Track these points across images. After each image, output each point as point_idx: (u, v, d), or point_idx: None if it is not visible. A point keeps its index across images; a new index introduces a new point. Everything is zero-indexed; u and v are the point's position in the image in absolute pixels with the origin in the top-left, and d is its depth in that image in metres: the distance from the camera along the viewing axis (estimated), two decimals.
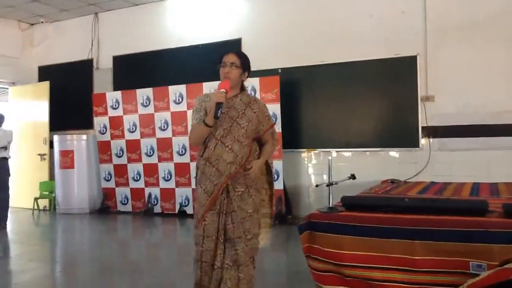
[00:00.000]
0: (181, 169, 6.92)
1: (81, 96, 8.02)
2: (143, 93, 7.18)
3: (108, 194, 7.56)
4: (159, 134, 7.08)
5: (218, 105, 2.47)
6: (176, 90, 6.92)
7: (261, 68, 6.04)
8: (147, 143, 7.19)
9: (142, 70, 7.67)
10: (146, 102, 7.17)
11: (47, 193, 7.84)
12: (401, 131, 5.95)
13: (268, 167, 2.80)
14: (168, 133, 7.00)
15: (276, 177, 5.89)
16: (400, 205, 2.96)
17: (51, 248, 5.51)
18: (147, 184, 7.22)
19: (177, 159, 6.95)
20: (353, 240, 2.80)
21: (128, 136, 7.33)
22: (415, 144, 5.82)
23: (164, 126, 7.04)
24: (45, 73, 8.56)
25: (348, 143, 6.22)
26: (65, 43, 8.44)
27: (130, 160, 7.34)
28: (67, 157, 7.53)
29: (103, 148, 7.55)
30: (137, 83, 7.34)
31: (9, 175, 6.35)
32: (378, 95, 6.04)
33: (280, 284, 3.77)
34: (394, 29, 5.94)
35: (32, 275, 4.08)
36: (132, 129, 7.30)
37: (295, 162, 6.53)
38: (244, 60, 2.64)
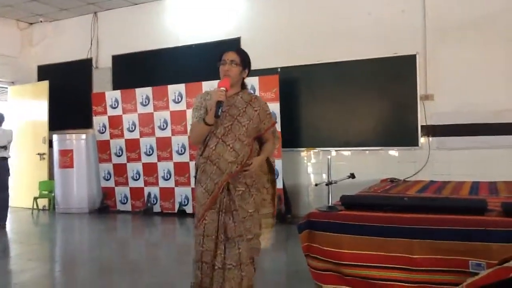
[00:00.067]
0: (181, 168, 6.92)
1: (81, 96, 8.02)
2: (143, 92, 7.17)
3: (108, 194, 7.56)
4: (159, 133, 7.07)
5: (219, 103, 2.44)
6: (175, 89, 6.92)
7: (260, 67, 6.01)
8: (146, 143, 7.19)
9: (142, 69, 7.67)
10: (145, 101, 7.16)
11: (46, 192, 7.84)
12: (400, 130, 5.95)
13: (270, 166, 2.78)
14: (167, 132, 7.00)
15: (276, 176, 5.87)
16: (399, 204, 2.96)
17: (51, 248, 5.51)
18: (146, 183, 7.22)
19: (176, 158, 6.95)
20: (352, 239, 2.80)
21: (128, 135, 7.33)
22: (414, 143, 5.82)
23: (163, 125, 7.04)
24: (44, 72, 8.55)
25: (347, 142, 6.22)
26: (64, 42, 8.43)
27: (129, 160, 7.33)
28: (67, 156, 7.53)
29: (103, 148, 7.55)
30: (137, 82, 7.34)
31: (8, 174, 6.35)
32: (377, 94, 6.04)
33: (279, 283, 3.77)
34: (394, 28, 5.94)
35: (32, 274, 4.08)
36: (132, 128, 7.30)
37: (294, 161, 6.53)
38: (244, 58, 2.62)
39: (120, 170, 7.42)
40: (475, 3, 5.59)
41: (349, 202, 3.10)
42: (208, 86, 6.01)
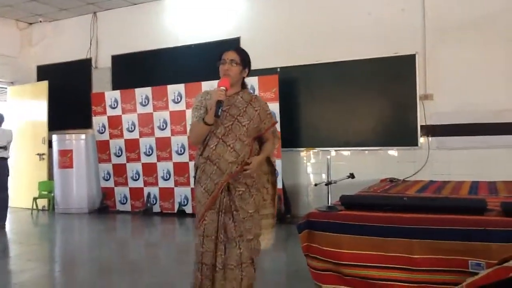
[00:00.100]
0: (180, 168, 6.91)
1: (80, 96, 8.01)
2: (142, 93, 7.17)
3: (107, 194, 7.56)
4: (158, 133, 7.07)
5: (219, 103, 2.42)
6: (175, 89, 6.92)
7: (260, 67, 6.00)
8: (146, 143, 7.19)
9: (141, 69, 7.67)
10: (145, 102, 7.16)
11: (46, 193, 7.83)
12: (400, 130, 5.95)
13: (271, 166, 2.76)
14: (167, 133, 7.00)
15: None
16: (399, 204, 2.96)
17: (50, 248, 5.50)
18: (146, 183, 7.22)
19: (176, 158, 6.95)
20: (352, 239, 2.80)
21: (127, 135, 7.33)
22: (414, 143, 5.82)
23: (163, 126, 7.04)
24: (43, 72, 8.55)
25: (347, 142, 6.22)
26: (64, 42, 8.43)
27: (129, 160, 7.33)
28: (66, 156, 7.53)
29: (102, 148, 7.55)
30: (136, 83, 7.33)
31: (8, 175, 6.34)
32: (377, 94, 6.04)
33: (279, 283, 3.76)
34: (393, 27, 5.93)
35: (31, 275, 4.07)
36: (131, 128, 7.30)
37: (294, 161, 6.53)
38: (244, 57, 2.60)
39: (119, 170, 7.42)
40: (475, 3, 5.59)
41: (348, 202, 3.10)
42: (208, 86, 6.01)
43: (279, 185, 6.07)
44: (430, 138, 5.79)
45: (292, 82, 6.43)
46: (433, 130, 5.76)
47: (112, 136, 7.46)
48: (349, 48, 6.13)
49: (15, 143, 6.91)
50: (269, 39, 6.63)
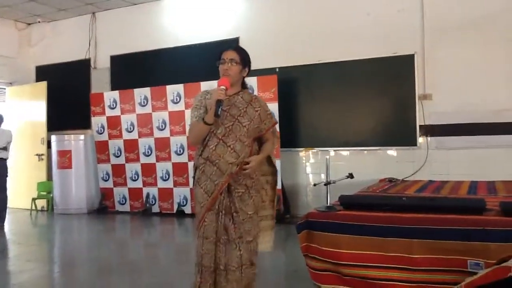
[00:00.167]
0: (179, 168, 6.91)
1: (79, 96, 8.01)
2: (141, 93, 7.17)
3: (106, 194, 7.55)
4: (157, 133, 7.07)
5: (219, 102, 2.40)
6: (174, 90, 6.91)
7: (259, 67, 5.96)
8: (145, 143, 7.18)
9: (140, 69, 7.66)
10: (143, 102, 7.16)
11: (45, 193, 7.82)
12: (398, 130, 5.95)
13: (272, 167, 2.73)
14: (166, 133, 7.00)
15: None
16: (398, 203, 2.97)
17: (49, 249, 5.50)
18: (145, 184, 7.21)
19: (175, 158, 6.94)
20: (351, 239, 2.80)
21: (126, 136, 7.32)
22: (413, 142, 5.83)
23: (162, 126, 7.03)
24: (42, 73, 8.54)
25: (346, 142, 6.23)
26: (63, 42, 8.42)
27: (128, 160, 7.33)
28: (65, 157, 7.52)
29: (101, 148, 7.54)
30: (135, 83, 7.33)
31: (7, 175, 6.33)
32: (375, 94, 6.04)
33: (278, 283, 3.76)
34: (392, 27, 5.94)
35: (30, 275, 4.06)
36: (130, 129, 7.29)
37: (293, 161, 6.53)
38: (243, 56, 2.57)
39: (118, 170, 7.41)
40: (473, 2, 5.60)
41: (347, 202, 3.10)
42: (207, 86, 5.98)
43: (279, 185, 6.07)
44: (429, 138, 5.79)
45: (291, 82, 6.43)
46: (432, 130, 5.77)
47: (111, 136, 7.45)
48: (348, 48, 6.13)
49: (14, 144, 6.90)
50: (268, 39, 6.63)
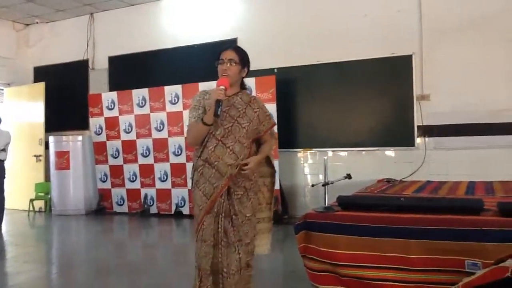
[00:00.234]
0: (177, 169, 6.91)
1: (77, 97, 8.00)
2: (139, 94, 7.16)
3: (104, 195, 7.54)
4: (155, 134, 7.06)
5: (218, 102, 2.37)
6: (172, 91, 6.91)
7: (257, 68, 5.94)
8: (143, 144, 7.17)
9: (138, 70, 7.66)
10: (142, 103, 7.15)
11: (42, 194, 7.80)
12: (397, 130, 5.96)
13: (271, 168, 2.73)
14: (164, 134, 6.99)
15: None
16: (396, 204, 2.97)
17: (47, 250, 5.48)
18: (143, 185, 7.20)
19: (173, 159, 6.94)
20: (349, 239, 2.80)
21: (124, 136, 7.31)
22: (410, 143, 5.83)
23: (160, 127, 7.03)
24: (40, 73, 8.53)
25: (344, 142, 6.23)
26: (61, 43, 8.41)
27: (126, 161, 7.32)
28: (63, 158, 7.51)
29: (99, 149, 7.53)
30: (133, 84, 7.32)
31: (4, 176, 6.31)
32: (373, 95, 6.05)
33: (276, 284, 3.76)
34: (390, 28, 5.95)
35: (28, 276, 4.05)
36: (128, 129, 7.28)
37: (291, 161, 6.54)
38: (242, 56, 2.55)
39: (116, 171, 7.40)
40: (471, 3, 5.61)
41: (345, 202, 3.10)
42: (205, 87, 5.99)
43: (277, 186, 6.07)
44: (427, 139, 5.80)
45: (289, 83, 6.44)
46: (430, 131, 5.78)
47: (109, 137, 7.44)
48: (346, 49, 6.14)
49: (12, 145, 6.87)
50: (267, 40, 6.63)
